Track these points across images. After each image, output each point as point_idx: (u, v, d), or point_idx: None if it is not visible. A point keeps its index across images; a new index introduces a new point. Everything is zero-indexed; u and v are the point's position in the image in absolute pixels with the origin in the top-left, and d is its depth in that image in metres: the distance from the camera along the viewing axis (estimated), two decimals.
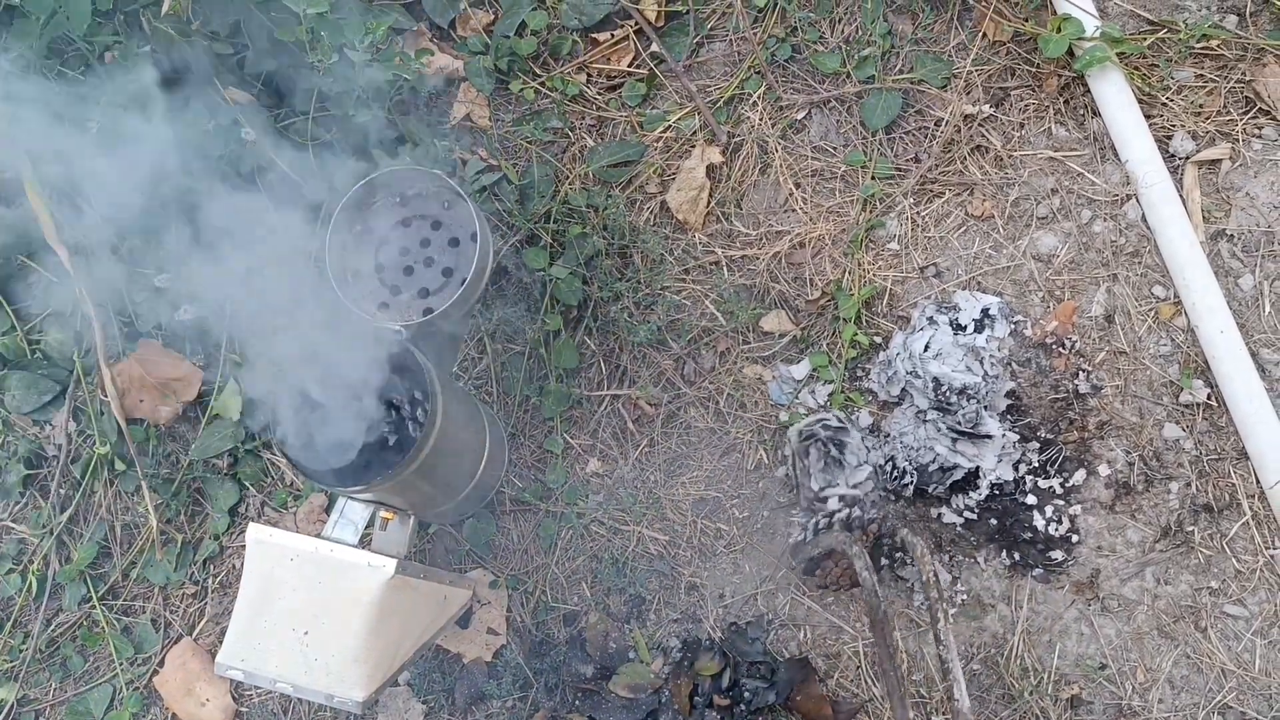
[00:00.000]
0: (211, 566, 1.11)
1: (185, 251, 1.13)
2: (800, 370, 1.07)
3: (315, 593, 0.86)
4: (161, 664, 1.09)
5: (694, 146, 1.12)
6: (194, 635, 1.10)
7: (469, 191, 0.96)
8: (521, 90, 1.16)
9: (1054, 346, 1.03)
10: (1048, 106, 1.09)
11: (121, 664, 1.10)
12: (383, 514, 0.94)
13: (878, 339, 1.06)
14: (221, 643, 1.09)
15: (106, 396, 1.11)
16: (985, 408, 1.01)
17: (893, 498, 1.02)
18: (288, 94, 1.13)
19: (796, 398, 1.06)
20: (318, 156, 1.08)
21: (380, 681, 0.88)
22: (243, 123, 1.08)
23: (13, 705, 1.10)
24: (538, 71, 1.17)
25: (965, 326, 1.03)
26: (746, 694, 1.00)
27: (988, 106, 1.09)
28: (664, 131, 1.13)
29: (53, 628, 1.12)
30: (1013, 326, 1.04)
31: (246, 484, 1.12)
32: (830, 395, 1.05)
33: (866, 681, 1.00)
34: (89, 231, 1.13)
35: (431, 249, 0.98)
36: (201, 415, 1.13)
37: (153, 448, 1.13)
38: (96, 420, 1.13)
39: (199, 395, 1.13)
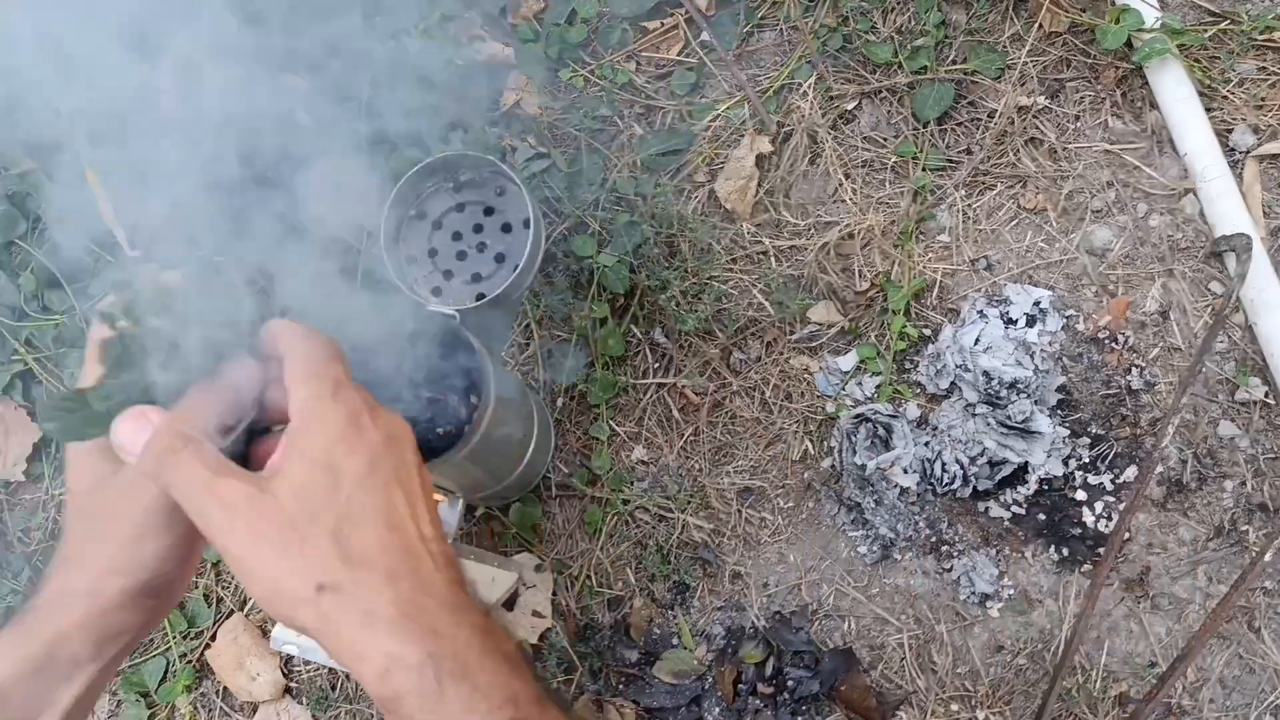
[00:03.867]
0: None
1: (239, 236, 1.10)
2: (848, 362, 1.02)
3: None
4: (213, 638, 1.07)
5: (743, 136, 1.08)
6: (245, 611, 1.08)
7: (519, 178, 0.92)
8: (571, 78, 1.12)
9: (1107, 342, 0.98)
10: (1104, 99, 1.03)
11: (175, 638, 1.08)
12: (436, 496, 0.92)
13: (927, 332, 1.01)
14: (271, 620, 1.07)
15: None
16: (1036, 402, 0.96)
17: (938, 491, 0.98)
18: (341, 79, 1.09)
19: (843, 389, 1.02)
20: (371, 142, 1.05)
21: None
22: (298, 108, 1.05)
23: None
24: (587, 59, 1.13)
25: (1016, 320, 0.98)
26: (790, 683, 0.96)
27: (1043, 98, 1.04)
28: (713, 120, 1.09)
29: None
30: (1065, 321, 0.99)
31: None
32: (878, 387, 1.01)
33: (911, 673, 0.96)
34: (147, 215, 1.11)
35: (484, 235, 0.95)
36: None
37: None
38: None
39: None
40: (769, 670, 0.97)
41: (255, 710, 1.07)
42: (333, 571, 0.41)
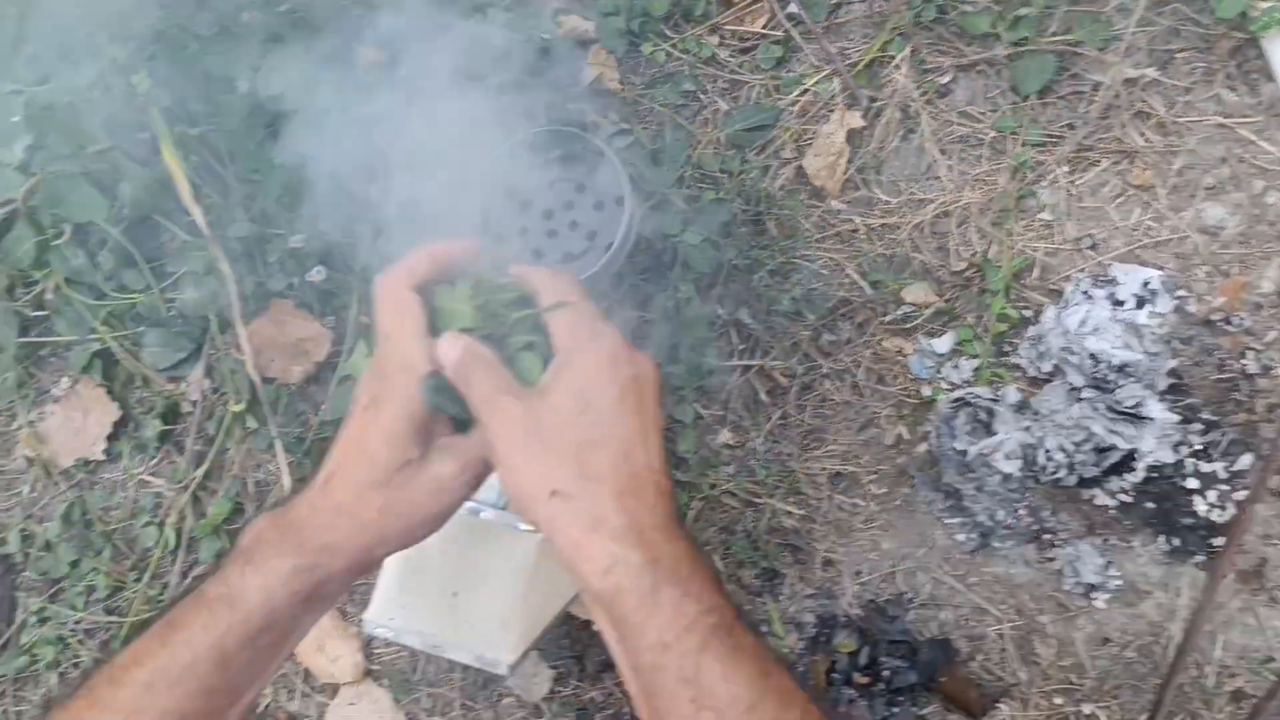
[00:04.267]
0: None
1: (320, 213, 1.09)
2: (943, 344, 0.99)
3: (464, 555, 0.83)
4: None
5: (832, 111, 1.04)
6: None
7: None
8: (653, 53, 1.09)
9: (1220, 324, 0.94)
10: (1217, 70, 0.98)
11: None
12: None
13: (1027, 313, 0.98)
14: (351, 599, 1.06)
15: (241, 355, 1.08)
16: (1146, 387, 0.92)
17: (1040, 478, 0.94)
18: (421, 55, 1.07)
19: (939, 372, 0.98)
20: (453, 119, 1.03)
21: (527, 645, 0.84)
22: (375, 85, 1.03)
23: None
24: (670, 34, 1.10)
25: (1124, 301, 0.94)
26: (885, 673, 0.93)
27: (1151, 70, 0.99)
28: (800, 95, 1.06)
29: (190, 581, 1.10)
30: (1176, 302, 0.95)
31: None
32: (976, 370, 0.98)
33: (1012, 665, 0.93)
34: (224, 192, 1.10)
35: (575, 212, 0.92)
36: (331, 376, 1.09)
37: (284, 407, 1.10)
38: (230, 378, 1.10)
39: (328, 356, 1.10)
40: (863, 660, 0.94)
41: (336, 692, 1.06)
42: (567, 482, 0.49)
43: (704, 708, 0.44)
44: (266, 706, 1.07)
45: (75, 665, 1.11)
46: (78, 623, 1.11)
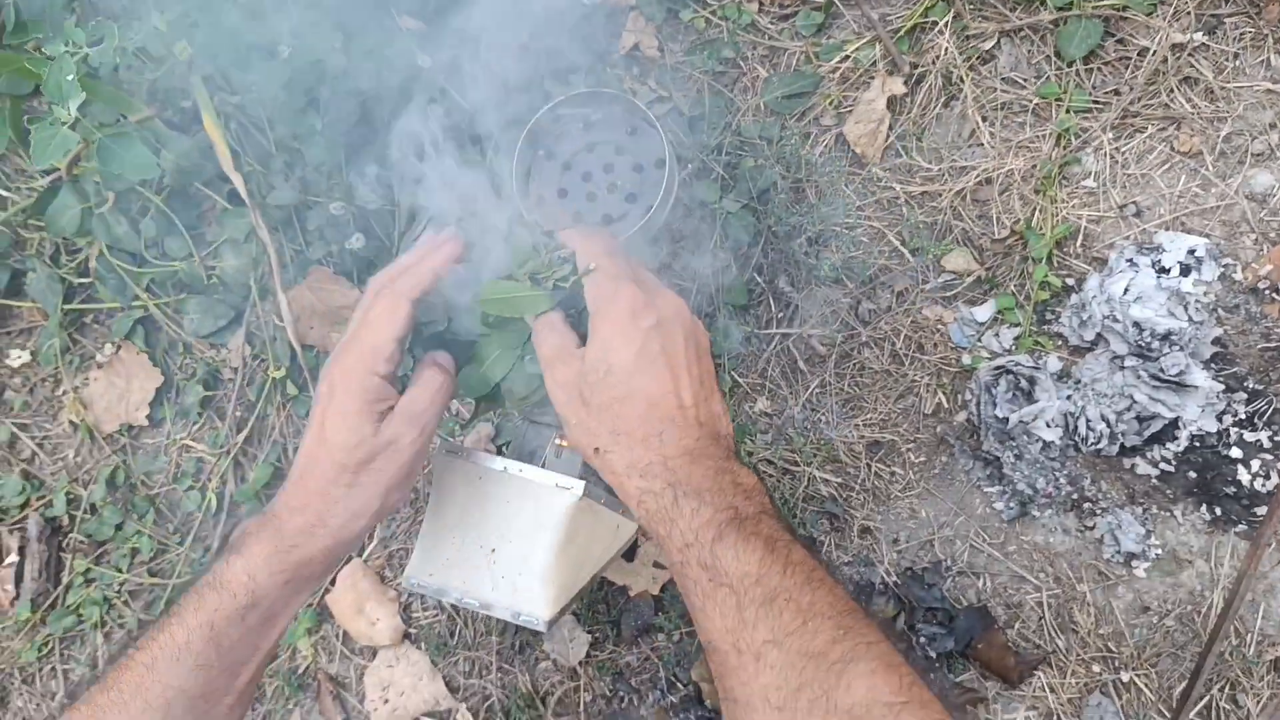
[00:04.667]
0: None
1: (360, 179, 1.10)
2: (984, 312, 0.98)
3: (503, 512, 0.83)
4: (333, 583, 1.08)
5: (873, 77, 1.03)
6: (364, 557, 1.09)
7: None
8: (692, 19, 1.09)
9: (1267, 292, 0.93)
10: (1266, 35, 0.97)
11: None
12: (557, 440, 0.90)
13: (1070, 281, 0.97)
14: (389, 564, 1.07)
15: (281, 322, 1.10)
16: (1190, 355, 0.92)
17: (1081, 447, 0.94)
18: (460, 21, 1.07)
19: (979, 340, 0.98)
20: (489, 84, 1.03)
21: (564, 603, 0.84)
22: (417, 50, 1.03)
23: None
24: (709, 0, 1.09)
25: (1169, 269, 0.94)
26: (922, 640, 0.94)
27: (1199, 34, 0.97)
28: (841, 62, 1.05)
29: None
30: (1221, 270, 0.94)
31: None
32: (1016, 339, 0.97)
33: (1050, 633, 0.93)
34: (265, 160, 1.11)
35: (615, 175, 0.92)
36: None
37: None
38: (270, 345, 1.11)
39: None
40: (900, 626, 0.95)
41: (375, 654, 1.07)
42: (603, 439, 0.57)
43: (720, 585, 0.50)
44: (307, 668, 1.09)
45: (120, 625, 1.13)
46: (122, 584, 1.13)
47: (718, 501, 0.53)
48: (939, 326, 0.99)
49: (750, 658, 0.48)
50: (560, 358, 0.61)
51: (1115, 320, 0.93)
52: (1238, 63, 0.97)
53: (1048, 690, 0.93)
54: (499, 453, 1.01)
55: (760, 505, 0.54)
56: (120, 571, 1.13)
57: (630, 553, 1.02)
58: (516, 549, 0.83)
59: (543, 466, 0.87)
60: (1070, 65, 1.00)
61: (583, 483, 0.81)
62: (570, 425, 0.60)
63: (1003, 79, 1.01)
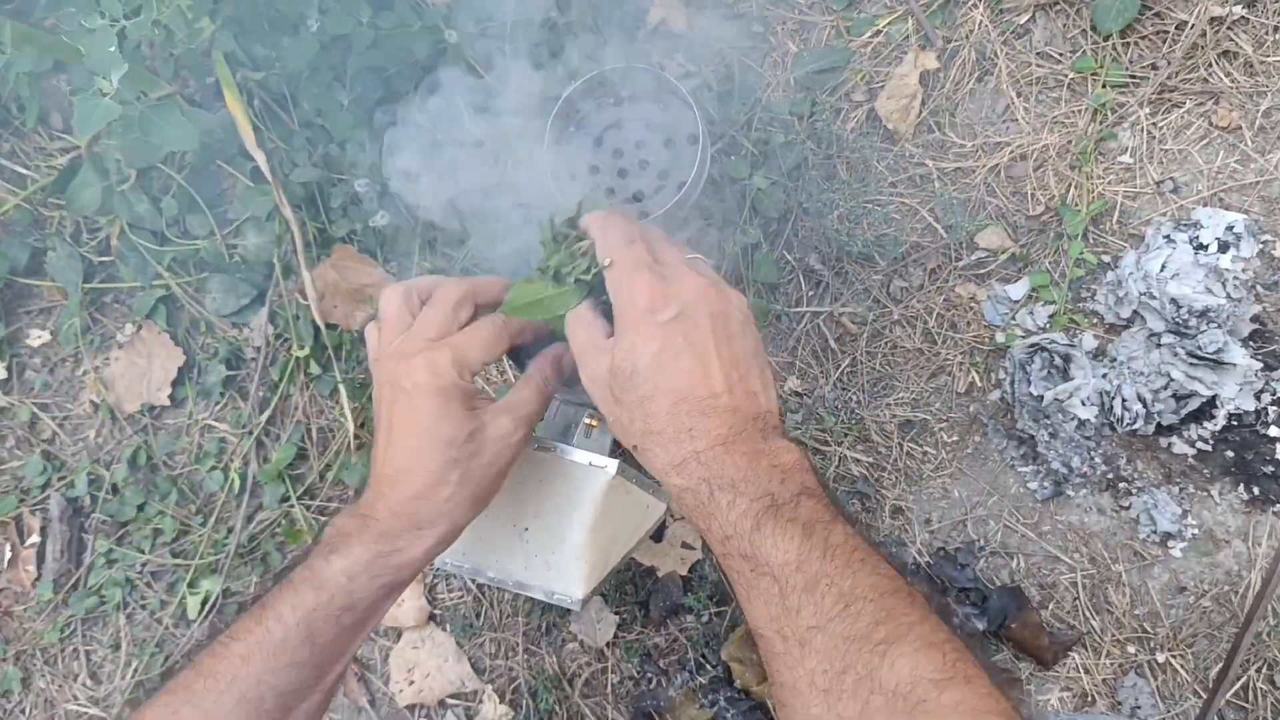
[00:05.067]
0: None
1: (386, 157, 1.09)
2: (1018, 290, 0.98)
3: (535, 490, 0.83)
4: None
5: (905, 52, 1.02)
6: None
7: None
8: None
9: None
10: None
11: None
12: (587, 420, 0.90)
13: (1106, 258, 0.96)
14: None
15: (305, 300, 1.09)
16: (1229, 332, 0.91)
17: (1117, 427, 0.93)
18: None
19: (1013, 319, 0.97)
20: (516, 60, 1.02)
21: (596, 581, 0.84)
22: (444, 26, 1.03)
23: (217, 597, 1.10)
24: None
25: (1207, 246, 0.93)
26: (956, 620, 0.93)
27: (1238, 8, 0.96)
28: (872, 36, 1.04)
29: (254, 524, 1.11)
30: (1260, 246, 0.93)
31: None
32: (1051, 316, 0.96)
33: (1085, 614, 0.92)
34: (287, 137, 1.10)
35: (646, 151, 0.91)
36: None
37: (347, 353, 1.11)
38: (293, 324, 1.11)
39: None
40: (932, 608, 0.94)
41: (400, 636, 1.07)
42: (639, 437, 0.57)
43: (761, 574, 0.51)
44: None
45: (143, 607, 1.13)
46: (144, 565, 1.13)
47: (753, 490, 0.52)
48: (972, 304, 0.99)
49: (795, 644, 0.48)
50: (591, 352, 0.61)
51: (1152, 297, 0.92)
52: (1277, 36, 0.96)
53: (1082, 671, 0.92)
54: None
55: (799, 485, 0.53)
56: (142, 552, 1.13)
57: (658, 533, 1.01)
58: (549, 528, 0.82)
59: (574, 444, 0.86)
60: (1106, 39, 0.98)
61: (616, 461, 0.81)
62: (609, 421, 0.60)
63: (1037, 53, 1.00)
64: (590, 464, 0.81)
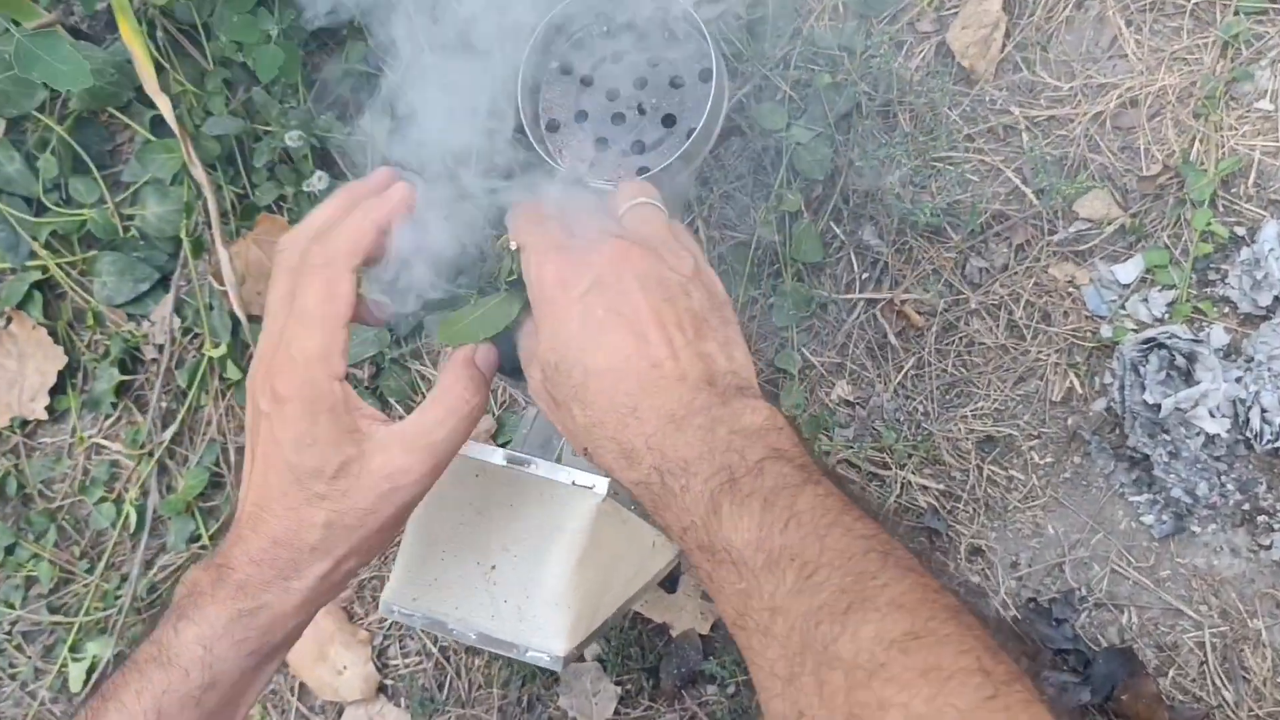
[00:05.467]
0: None
1: (324, 102, 1.12)
2: (1129, 271, 1.01)
3: (506, 518, 0.85)
4: None
5: None
6: None
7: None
8: None
9: None
10: None
11: None
12: None
13: (1240, 231, 1.00)
14: (359, 597, 1.10)
15: (221, 285, 1.13)
16: None
17: (1254, 444, 0.96)
18: None
19: (1123, 307, 1.01)
20: None
21: (584, 635, 0.86)
22: None
23: (108, 663, 1.13)
24: None
25: None
26: (1051, 690, 0.96)
27: None
28: None
29: (154, 570, 1.15)
30: None
31: (390, 400, 1.12)
32: (1171, 305, 1.00)
33: (1215, 682, 0.95)
34: (200, 78, 1.13)
35: (648, 91, 0.95)
36: None
37: None
38: (206, 315, 1.14)
39: None
40: (1021, 664, 0.97)
41: (341, 712, 1.10)
42: (584, 437, 0.61)
43: (720, 563, 0.53)
44: None
45: (12, 676, 1.16)
46: (14, 623, 1.16)
47: (706, 469, 0.55)
48: (1070, 289, 1.02)
49: (759, 634, 0.51)
50: (528, 362, 0.66)
51: None
52: None
53: None
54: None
55: (764, 449, 0.55)
56: (12, 607, 1.16)
57: (671, 580, 1.04)
58: (523, 565, 0.85)
59: (557, 461, 0.89)
60: None
61: (607, 479, 0.83)
62: (561, 430, 0.64)
63: None
64: (574, 483, 0.84)
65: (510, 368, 0.81)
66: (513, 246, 0.67)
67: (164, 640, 0.61)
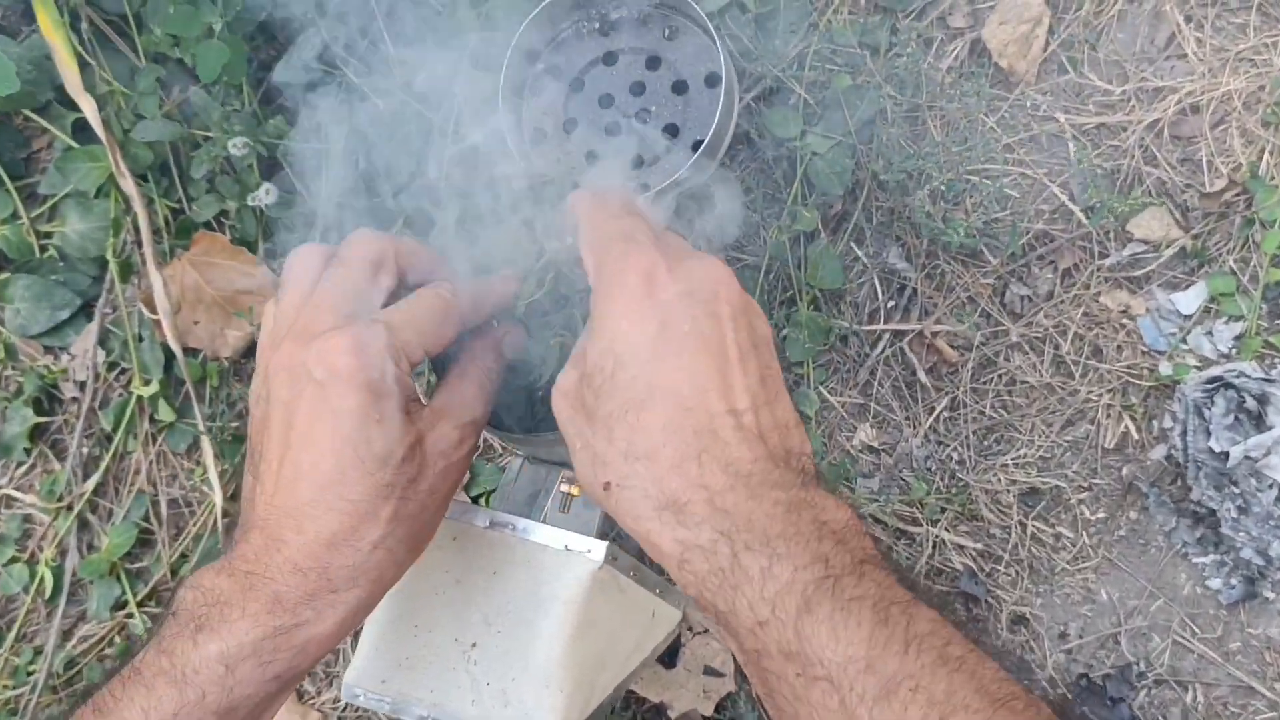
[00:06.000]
0: None
1: (272, 104, 1.10)
2: (1190, 300, 1.00)
3: (487, 588, 0.84)
4: None
5: None
6: None
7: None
8: None
9: None
10: None
11: None
12: (564, 486, 0.91)
13: None
14: (313, 673, 1.07)
15: (152, 314, 1.11)
16: None
17: None
18: None
19: (1184, 341, 1.00)
20: None
21: (579, 718, 0.85)
22: None
23: None
24: None
25: None
26: None
27: None
28: None
29: (73, 642, 1.13)
30: None
31: None
32: (1239, 338, 0.99)
33: None
34: (130, 77, 1.12)
35: (646, 98, 0.94)
36: None
37: (213, 390, 1.12)
38: (135, 348, 1.13)
39: None
40: None
41: None
42: (615, 469, 0.56)
43: (813, 679, 0.49)
44: None
45: None
46: None
47: (798, 554, 0.52)
48: (1124, 320, 1.01)
49: None
50: (572, 361, 0.63)
51: None
52: None
53: None
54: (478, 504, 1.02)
55: (859, 551, 0.53)
56: None
57: (671, 653, 1.03)
58: (509, 642, 0.84)
59: (543, 521, 0.88)
60: None
61: (604, 544, 0.82)
62: (575, 453, 0.60)
63: None
64: (567, 548, 0.83)
65: (515, 425, 0.81)
66: (568, 239, 0.66)
67: (179, 652, 0.58)
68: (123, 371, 1.14)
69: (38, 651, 1.12)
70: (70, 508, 1.13)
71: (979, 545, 1.01)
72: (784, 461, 0.56)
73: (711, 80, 0.91)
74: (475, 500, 1.09)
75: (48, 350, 1.16)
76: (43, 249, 1.15)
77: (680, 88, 0.93)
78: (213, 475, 1.09)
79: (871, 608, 0.50)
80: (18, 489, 1.15)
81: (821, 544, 0.52)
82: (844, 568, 0.51)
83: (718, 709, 1.02)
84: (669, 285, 0.57)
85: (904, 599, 0.51)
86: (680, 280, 0.57)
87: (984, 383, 1.03)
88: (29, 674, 1.12)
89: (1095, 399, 1.01)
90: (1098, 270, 1.02)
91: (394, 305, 0.64)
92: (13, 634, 1.12)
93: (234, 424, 1.11)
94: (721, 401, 0.56)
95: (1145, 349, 1.01)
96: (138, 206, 1.09)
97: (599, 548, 0.81)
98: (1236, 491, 0.96)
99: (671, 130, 0.92)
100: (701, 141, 0.89)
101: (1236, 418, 0.96)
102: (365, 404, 0.59)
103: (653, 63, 0.94)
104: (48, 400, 1.15)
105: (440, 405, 0.65)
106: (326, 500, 0.60)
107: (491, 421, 0.83)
